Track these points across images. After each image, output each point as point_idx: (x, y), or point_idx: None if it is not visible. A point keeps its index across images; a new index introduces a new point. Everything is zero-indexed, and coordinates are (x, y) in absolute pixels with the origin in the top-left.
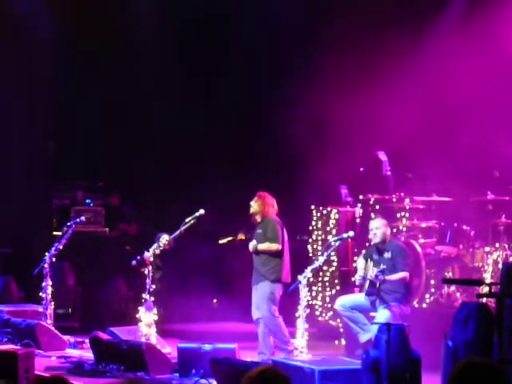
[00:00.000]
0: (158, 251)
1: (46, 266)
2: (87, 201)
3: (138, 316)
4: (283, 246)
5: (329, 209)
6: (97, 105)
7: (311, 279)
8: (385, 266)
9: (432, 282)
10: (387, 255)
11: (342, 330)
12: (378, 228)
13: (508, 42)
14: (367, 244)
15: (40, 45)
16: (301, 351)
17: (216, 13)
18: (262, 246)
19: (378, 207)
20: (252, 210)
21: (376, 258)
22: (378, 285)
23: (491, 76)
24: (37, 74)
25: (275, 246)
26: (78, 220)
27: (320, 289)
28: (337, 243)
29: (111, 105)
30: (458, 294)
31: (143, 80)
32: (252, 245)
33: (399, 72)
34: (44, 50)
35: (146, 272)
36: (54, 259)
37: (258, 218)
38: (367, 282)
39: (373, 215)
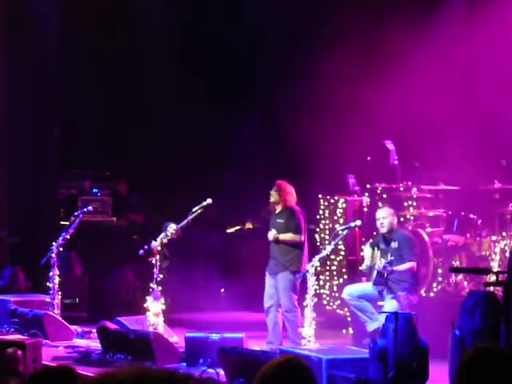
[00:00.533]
0: (165, 240)
1: (53, 255)
2: (94, 190)
3: (145, 305)
4: (305, 236)
5: (336, 198)
6: (103, 95)
7: (319, 268)
8: (393, 258)
9: (439, 270)
10: (394, 245)
11: (349, 319)
12: (384, 218)
13: None
14: (374, 233)
15: (45, 33)
16: (308, 340)
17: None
18: (285, 237)
19: (385, 196)
20: (272, 200)
21: (383, 248)
22: (385, 275)
23: (498, 64)
24: (43, 62)
25: (299, 238)
26: (85, 209)
27: (327, 278)
28: (344, 232)
29: (117, 95)
30: (466, 283)
31: (149, 68)
32: (272, 234)
33: (406, 59)
34: (51, 37)
35: (154, 261)
36: (61, 249)
37: (279, 208)
38: (375, 272)
39: (380, 204)
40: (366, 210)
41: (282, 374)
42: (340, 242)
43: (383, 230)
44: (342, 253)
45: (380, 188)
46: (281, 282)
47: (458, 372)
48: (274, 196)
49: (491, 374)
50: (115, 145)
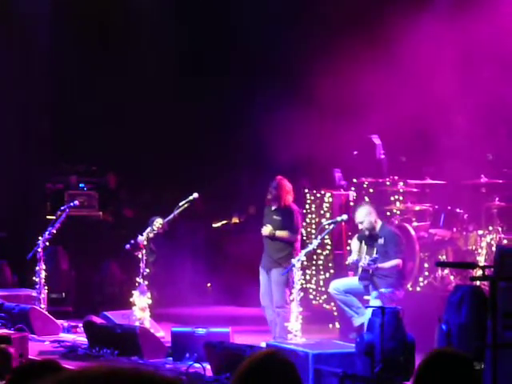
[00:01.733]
0: (151, 235)
1: (39, 250)
2: (81, 185)
3: (131, 300)
4: (300, 235)
5: (322, 192)
6: (92, 89)
7: (305, 262)
8: (377, 256)
9: (426, 265)
10: (380, 241)
11: (335, 313)
12: (361, 222)
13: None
14: (365, 230)
15: (39, 25)
16: (295, 335)
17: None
18: (282, 234)
19: (371, 190)
20: (270, 196)
21: (369, 243)
22: (370, 271)
23: (485, 59)
24: (35, 58)
25: (294, 237)
26: (71, 204)
27: (314, 272)
28: (330, 226)
29: (109, 90)
30: (452, 277)
31: (140, 63)
32: (268, 230)
33: (392, 54)
34: (42, 32)
35: (140, 256)
36: (47, 243)
37: (276, 204)
38: (360, 267)
39: (366, 198)
40: (352, 204)
41: (263, 368)
42: (326, 237)
43: (365, 231)
44: (329, 247)
45: (366, 182)
46: (274, 277)
47: (416, 376)
48: (272, 193)
49: (447, 378)
50: (103, 139)
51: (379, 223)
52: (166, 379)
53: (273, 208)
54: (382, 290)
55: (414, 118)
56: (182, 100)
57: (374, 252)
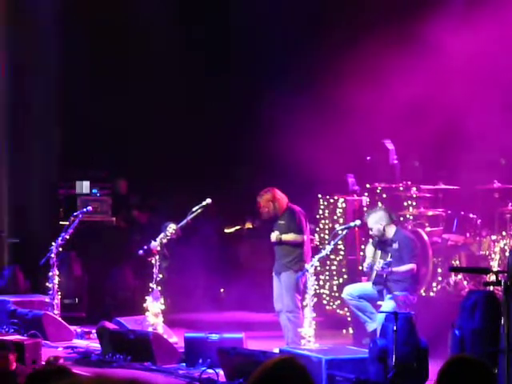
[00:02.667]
0: (165, 240)
1: (52, 255)
2: (94, 191)
3: (144, 306)
4: (307, 235)
5: (336, 197)
6: (104, 94)
7: (318, 268)
8: (391, 259)
9: (439, 270)
10: (395, 246)
11: (349, 318)
12: (371, 229)
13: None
14: (375, 236)
15: (48, 30)
16: (308, 340)
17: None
18: (288, 237)
19: (384, 196)
20: (272, 211)
21: (383, 248)
22: (384, 275)
23: (497, 61)
24: (44, 62)
25: (301, 237)
26: (84, 210)
27: (327, 278)
28: (344, 232)
29: (118, 95)
30: (465, 283)
31: (151, 68)
32: (275, 235)
33: (406, 60)
34: (52, 36)
35: (153, 261)
36: (60, 249)
37: (279, 213)
38: (374, 272)
39: (379, 204)
40: (365, 209)
41: (278, 375)
42: (340, 242)
43: (375, 237)
44: (342, 252)
45: (379, 188)
46: (284, 281)
47: (436, 382)
48: (270, 208)
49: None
50: (115, 145)
51: (393, 228)
52: None
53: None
54: (397, 294)
55: (426, 123)
56: (194, 104)
57: (389, 257)
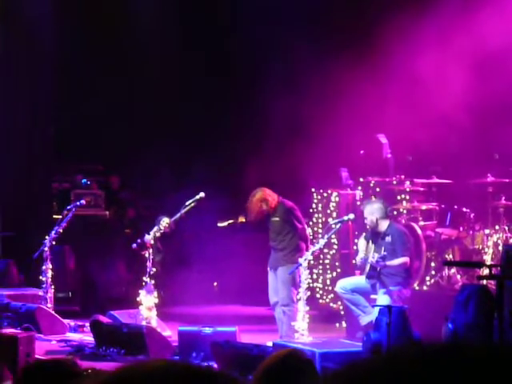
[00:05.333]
0: (158, 234)
1: (46, 249)
2: (83, 180)
3: (138, 299)
4: (303, 225)
5: (329, 191)
6: (98, 90)
7: (312, 262)
8: (385, 253)
9: (432, 264)
10: (388, 239)
11: (342, 312)
12: (366, 217)
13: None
14: (368, 226)
15: (42, 28)
16: (301, 334)
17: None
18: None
19: (378, 190)
20: (265, 209)
21: (377, 241)
22: (378, 269)
23: (490, 58)
24: (39, 56)
25: (305, 229)
26: (78, 203)
27: (321, 271)
28: (337, 226)
29: (112, 90)
30: (459, 277)
31: (145, 66)
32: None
33: (400, 54)
34: (46, 33)
35: (147, 255)
36: (54, 243)
37: (271, 211)
38: (368, 266)
39: (373, 198)
40: (358, 203)
41: (286, 367)
42: (333, 236)
43: (368, 227)
44: (335, 246)
45: (373, 181)
46: (280, 275)
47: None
48: (263, 207)
49: None
50: (109, 139)
51: (386, 222)
52: (224, 375)
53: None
54: (391, 287)
55: (420, 117)
56: (187, 100)
57: (382, 250)
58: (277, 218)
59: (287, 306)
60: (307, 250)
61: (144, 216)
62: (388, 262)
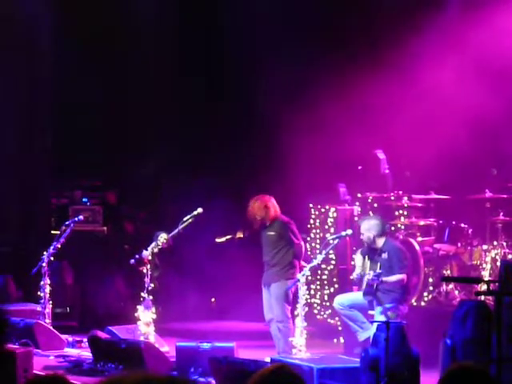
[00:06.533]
0: (156, 250)
1: (44, 264)
2: (84, 199)
3: (136, 315)
4: (299, 241)
5: (327, 207)
6: (96, 104)
7: (309, 277)
8: (381, 271)
9: (430, 280)
10: (384, 256)
11: (340, 328)
12: (363, 233)
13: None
14: (364, 243)
15: (39, 40)
16: (299, 349)
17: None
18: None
19: (376, 205)
20: (259, 218)
21: (373, 258)
22: (374, 286)
23: (488, 75)
24: (36, 73)
25: (299, 244)
26: (76, 219)
27: (318, 287)
28: (335, 241)
29: (110, 104)
30: (457, 292)
31: (143, 80)
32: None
33: (398, 70)
34: (44, 46)
35: (145, 271)
36: (52, 258)
37: (267, 222)
38: (364, 282)
39: (371, 213)
40: (356, 219)
41: (274, 382)
42: (331, 251)
43: (364, 243)
44: (333, 262)
45: (371, 197)
46: (274, 291)
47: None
48: (258, 214)
49: None
50: (107, 154)
51: (382, 239)
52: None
53: (266, 225)
54: (387, 305)
55: (417, 133)
56: (186, 113)
57: (378, 267)
58: (272, 233)
59: (282, 323)
60: (301, 265)
61: (142, 231)
62: (384, 279)
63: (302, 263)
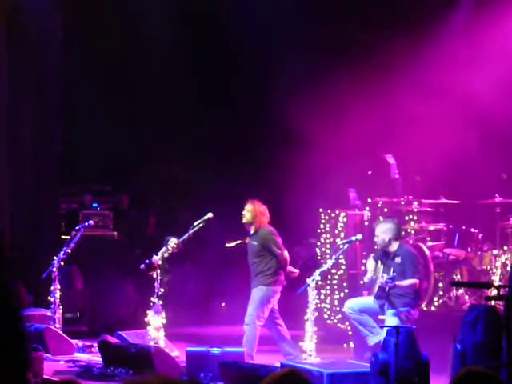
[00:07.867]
0: (166, 255)
1: (54, 269)
2: (94, 205)
3: (146, 320)
4: (282, 251)
5: (337, 212)
6: (106, 109)
7: (320, 282)
8: (395, 274)
9: (440, 284)
10: (397, 260)
11: (350, 333)
12: (377, 236)
13: None
14: (376, 247)
15: (50, 45)
16: (309, 354)
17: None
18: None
19: (386, 210)
20: (245, 220)
21: (386, 262)
22: (387, 289)
23: (499, 79)
24: (46, 76)
25: (281, 254)
26: (86, 224)
27: (328, 292)
28: (345, 246)
29: (120, 109)
30: (467, 297)
31: (152, 81)
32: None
33: (409, 74)
34: (55, 52)
35: (155, 275)
36: (62, 263)
37: (252, 229)
38: (376, 286)
39: (381, 218)
40: (366, 224)
41: None
42: (341, 256)
43: (377, 246)
44: (343, 267)
45: (381, 202)
46: (252, 295)
47: None
48: (246, 216)
49: None
50: (116, 159)
51: (397, 243)
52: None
53: (251, 232)
54: (400, 308)
55: (428, 138)
56: (197, 118)
57: (391, 271)
58: (255, 243)
59: (247, 325)
60: (285, 274)
61: (153, 236)
62: (397, 283)
63: (315, 273)
